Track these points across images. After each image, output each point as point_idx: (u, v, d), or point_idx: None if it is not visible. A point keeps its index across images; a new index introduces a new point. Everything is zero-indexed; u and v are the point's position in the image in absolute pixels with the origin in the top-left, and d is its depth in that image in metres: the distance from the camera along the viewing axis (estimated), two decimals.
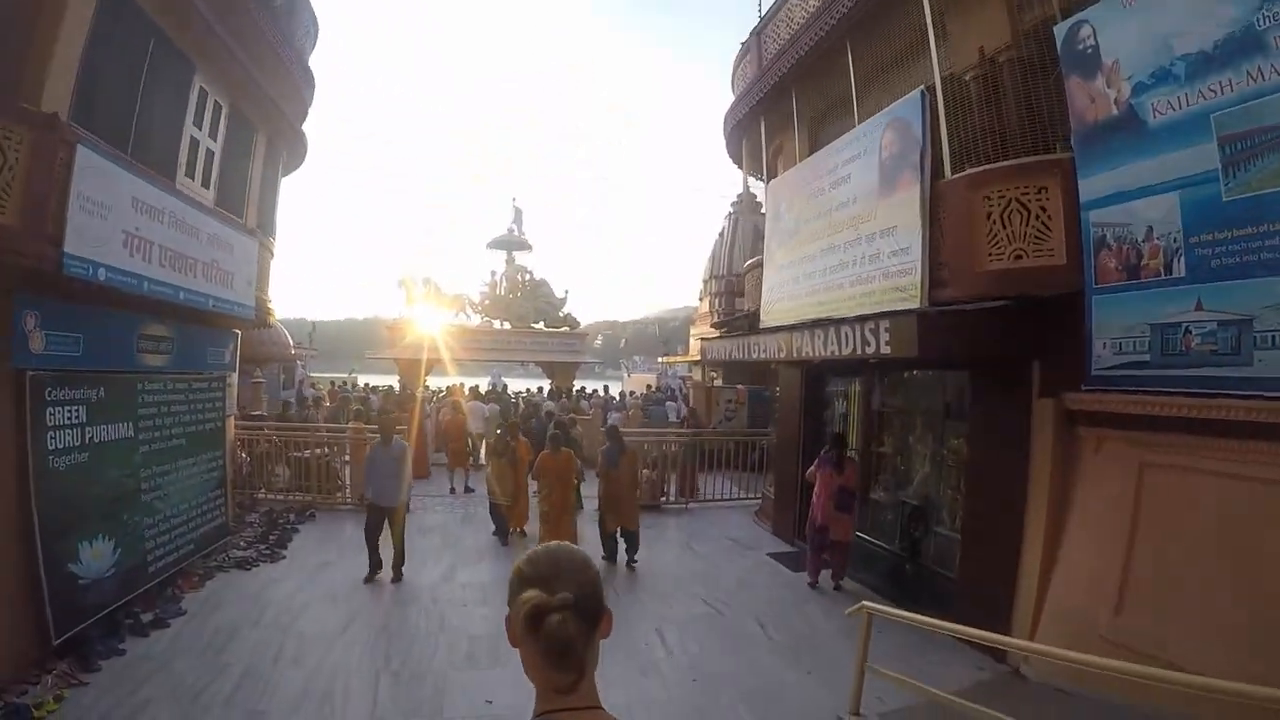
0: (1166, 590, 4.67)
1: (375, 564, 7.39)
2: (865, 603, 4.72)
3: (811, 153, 8.65)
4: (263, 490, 10.54)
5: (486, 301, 23.24)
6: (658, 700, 5.11)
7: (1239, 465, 4.37)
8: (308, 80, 9.11)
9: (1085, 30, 5.15)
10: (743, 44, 10.70)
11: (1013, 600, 5.70)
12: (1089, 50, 5.12)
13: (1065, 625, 5.17)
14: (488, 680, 5.18)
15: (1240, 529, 4.34)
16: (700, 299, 24.71)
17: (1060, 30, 5.32)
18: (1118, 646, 4.52)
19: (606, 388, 21.24)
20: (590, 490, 9.73)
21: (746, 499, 11.95)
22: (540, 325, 23.52)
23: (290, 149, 10.16)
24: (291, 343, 19.61)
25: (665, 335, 43.46)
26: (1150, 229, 4.72)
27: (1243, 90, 4.17)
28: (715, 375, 20.42)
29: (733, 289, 21.24)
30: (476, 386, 18.61)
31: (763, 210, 19.88)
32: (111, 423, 5.86)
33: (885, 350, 5.98)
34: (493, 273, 23.80)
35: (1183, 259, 4.54)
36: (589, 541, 8.78)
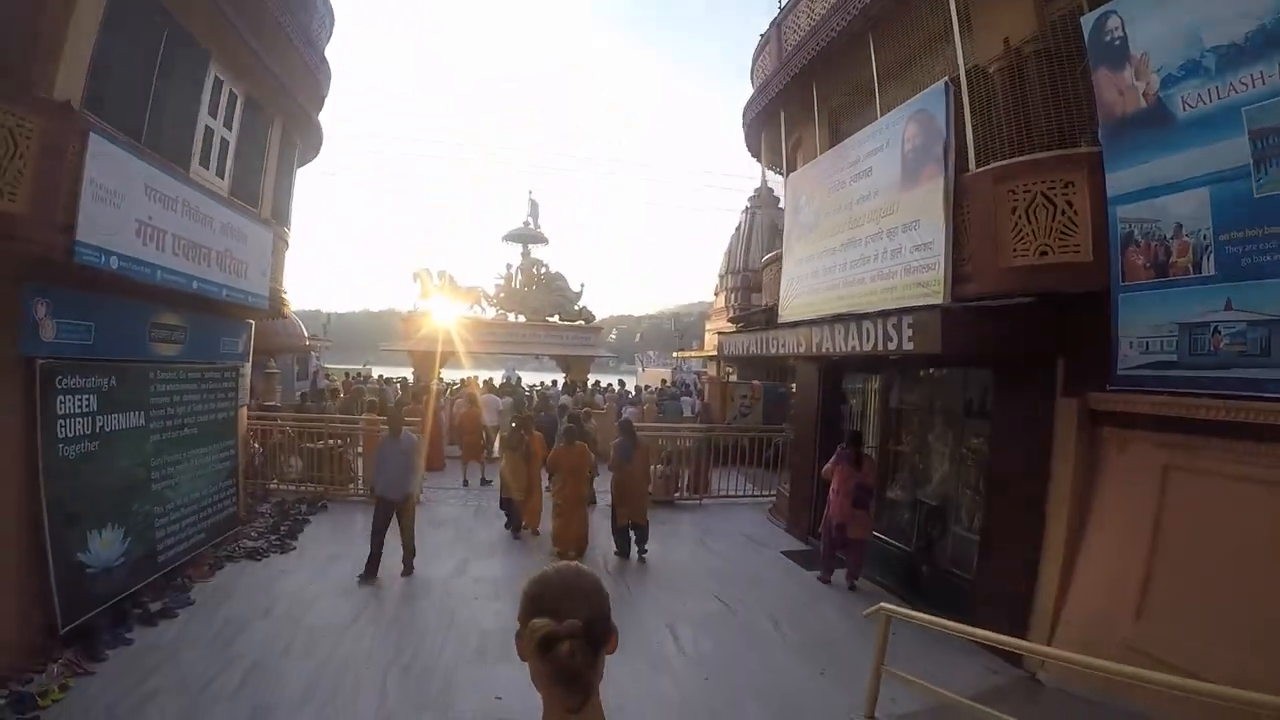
0: (1189, 597, 4.56)
1: (374, 561, 7.18)
2: (883, 604, 4.62)
3: (832, 146, 8.52)
4: (275, 481, 10.57)
5: (502, 294, 23.27)
6: (669, 698, 5.04)
7: (1267, 470, 4.26)
8: (323, 69, 9.06)
9: (1113, 21, 5.01)
10: (762, 35, 10.54)
11: (1031, 603, 5.60)
12: (1117, 42, 4.98)
13: (1084, 630, 5.07)
14: (497, 676, 5.12)
15: (1266, 535, 4.22)
16: (716, 294, 24.62)
17: (1088, 21, 5.18)
18: (1138, 653, 4.41)
19: (621, 382, 21.15)
20: (602, 485, 9.67)
21: (761, 496, 11.85)
22: (555, 319, 23.51)
23: (306, 139, 10.12)
24: (306, 334, 19.69)
25: (680, 330, 43.34)
26: (1179, 226, 4.59)
27: (1275, 83, 4.05)
28: (731, 370, 20.29)
29: (749, 284, 21.10)
30: (490, 379, 18.59)
31: (781, 205, 19.76)
32: (123, 412, 5.85)
33: (908, 346, 5.86)
34: (508, 265, 23.87)
35: (1212, 257, 4.41)
36: (601, 535, 8.74)
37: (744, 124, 11.35)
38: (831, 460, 7.73)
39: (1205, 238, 4.43)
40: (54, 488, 5.00)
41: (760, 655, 5.84)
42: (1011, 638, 4.23)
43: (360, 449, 11.12)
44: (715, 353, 21.41)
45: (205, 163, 7.18)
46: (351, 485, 10.88)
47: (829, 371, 9.55)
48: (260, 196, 8.65)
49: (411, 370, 21.60)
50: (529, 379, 24.20)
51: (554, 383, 20.39)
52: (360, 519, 9.15)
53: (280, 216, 9.27)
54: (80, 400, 5.30)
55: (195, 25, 6.62)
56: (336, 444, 10.83)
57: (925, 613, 4.83)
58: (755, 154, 11.90)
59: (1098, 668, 3.66)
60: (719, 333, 13.23)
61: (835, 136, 8.76)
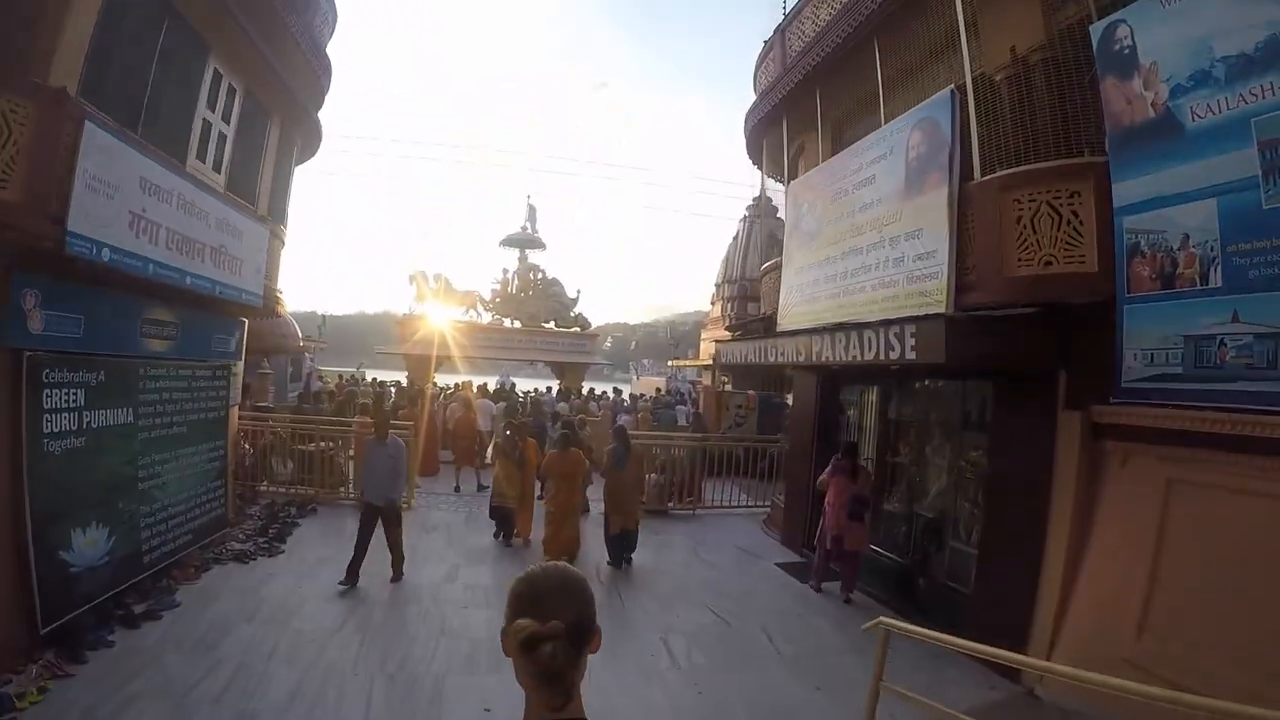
0: (1193, 612, 4.49)
1: (354, 566, 7.00)
2: (883, 618, 4.52)
3: (834, 153, 8.48)
4: (265, 483, 10.44)
5: (498, 299, 23.19)
6: (661, 710, 4.93)
7: (1272, 484, 4.19)
8: (324, 67, 8.99)
9: (1122, 30, 4.97)
10: (766, 42, 10.53)
11: (1030, 618, 5.52)
12: (1126, 51, 4.94)
13: (1085, 646, 4.99)
14: (487, 686, 5.01)
15: (1272, 549, 4.15)
16: (712, 303, 24.56)
17: (1096, 30, 5.15)
18: (1140, 669, 4.33)
19: (617, 389, 21.10)
20: (594, 493, 9.58)
21: (755, 507, 11.75)
22: (551, 325, 23.45)
23: (305, 136, 10.04)
24: (300, 335, 19.55)
25: (676, 339, 43.30)
26: (1186, 237, 4.53)
27: None
28: (726, 380, 20.24)
29: (746, 293, 21.08)
30: (485, 385, 18.48)
31: (779, 215, 19.77)
32: (111, 408, 5.74)
33: (910, 356, 5.79)
34: (505, 270, 23.78)
35: (1219, 268, 4.34)
36: (592, 544, 8.64)
37: (746, 130, 11.32)
38: (826, 471, 7.66)
39: (1213, 249, 4.38)
40: (38, 483, 4.88)
41: (754, 669, 5.74)
42: (1014, 653, 4.13)
43: (352, 452, 10.98)
44: (710, 362, 21.42)
45: (202, 156, 7.10)
46: (342, 489, 10.76)
47: (826, 382, 9.48)
48: (257, 193, 8.56)
49: (406, 374, 21.47)
50: (523, 385, 24.11)
51: (549, 389, 20.31)
52: (350, 523, 9.00)
53: (277, 214, 9.19)
54: (68, 394, 5.19)
55: (196, 15, 6.55)
56: (328, 447, 10.71)
57: (922, 627, 4.75)
58: (756, 161, 11.86)
59: (1099, 683, 3.57)
60: (716, 340, 13.15)
61: (838, 144, 8.73)
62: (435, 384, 19.13)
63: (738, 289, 21.80)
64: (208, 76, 7.01)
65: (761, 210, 21.70)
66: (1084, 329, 5.33)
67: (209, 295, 6.79)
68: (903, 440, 8.26)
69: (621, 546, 8.32)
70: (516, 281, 23.69)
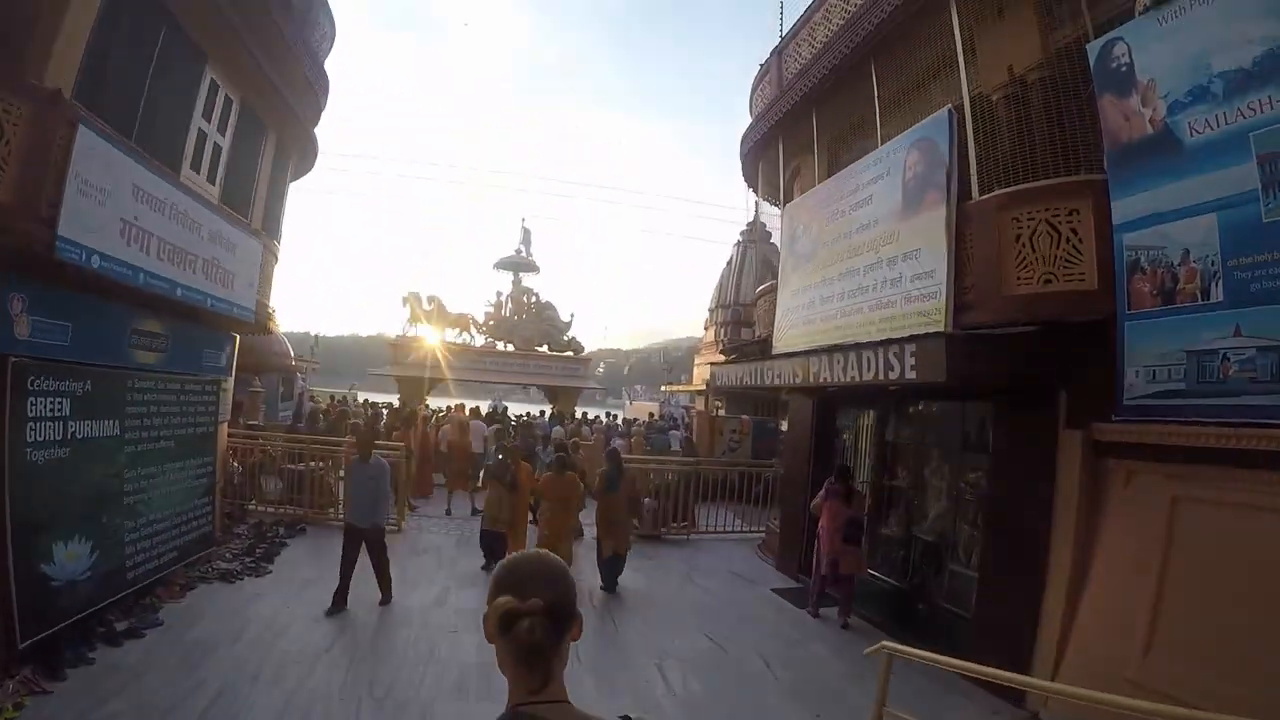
0: (1200, 631, 4.40)
1: (341, 593, 6.78)
2: (885, 642, 4.41)
3: (831, 175, 8.51)
4: (254, 502, 10.25)
5: (491, 322, 23.11)
6: None
7: (1278, 499, 4.13)
8: (322, 82, 8.99)
9: (1120, 48, 5.01)
10: (762, 65, 10.64)
11: (1033, 641, 5.43)
12: (1123, 68, 4.97)
13: (1090, 667, 4.89)
14: (477, 714, 4.82)
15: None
16: (705, 328, 24.59)
17: (1093, 48, 5.19)
18: (1146, 690, 4.22)
19: (609, 414, 20.97)
20: (587, 518, 9.44)
21: (749, 532, 11.62)
22: (544, 349, 23.37)
23: (301, 152, 10.01)
24: (292, 353, 19.42)
25: (669, 364, 43.31)
26: (1186, 252, 4.52)
27: None
28: (719, 405, 20.17)
29: (739, 318, 21.14)
30: (477, 408, 18.35)
31: (773, 240, 19.90)
32: (97, 419, 5.60)
33: (910, 375, 5.72)
34: (498, 293, 23.74)
35: (1221, 283, 4.32)
36: (584, 568, 8.50)
37: (741, 153, 11.37)
38: (820, 495, 7.59)
39: (1213, 264, 4.36)
40: (19, 493, 4.73)
41: (752, 696, 5.60)
42: (1023, 676, 4.03)
43: (342, 473, 10.80)
44: (704, 387, 21.36)
45: (196, 167, 7.04)
46: (332, 510, 10.56)
47: (822, 405, 9.42)
48: (251, 206, 8.50)
49: (398, 396, 21.31)
50: (515, 409, 23.95)
51: (542, 413, 20.17)
52: (339, 545, 8.85)
53: (271, 229, 9.13)
54: (52, 403, 5.06)
55: (194, 24, 6.53)
56: (317, 466, 10.54)
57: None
58: (751, 184, 11.90)
59: (1110, 702, 3.49)
60: (711, 363, 13.10)
61: (834, 166, 8.76)
62: (427, 406, 19.00)
63: (731, 314, 21.86)
64: (204, 86, 6.98)
65: (756, 235, 21.84)
66: (1084, 347, 5.29)
67: (200, 308, 6.70)
68: (900, 463, 8.19)
69: (614, 570, 8.18)
70: (510, 305, 23.63)
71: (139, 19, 5.86)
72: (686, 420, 21.01)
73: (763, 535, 11.02)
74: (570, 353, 23.82)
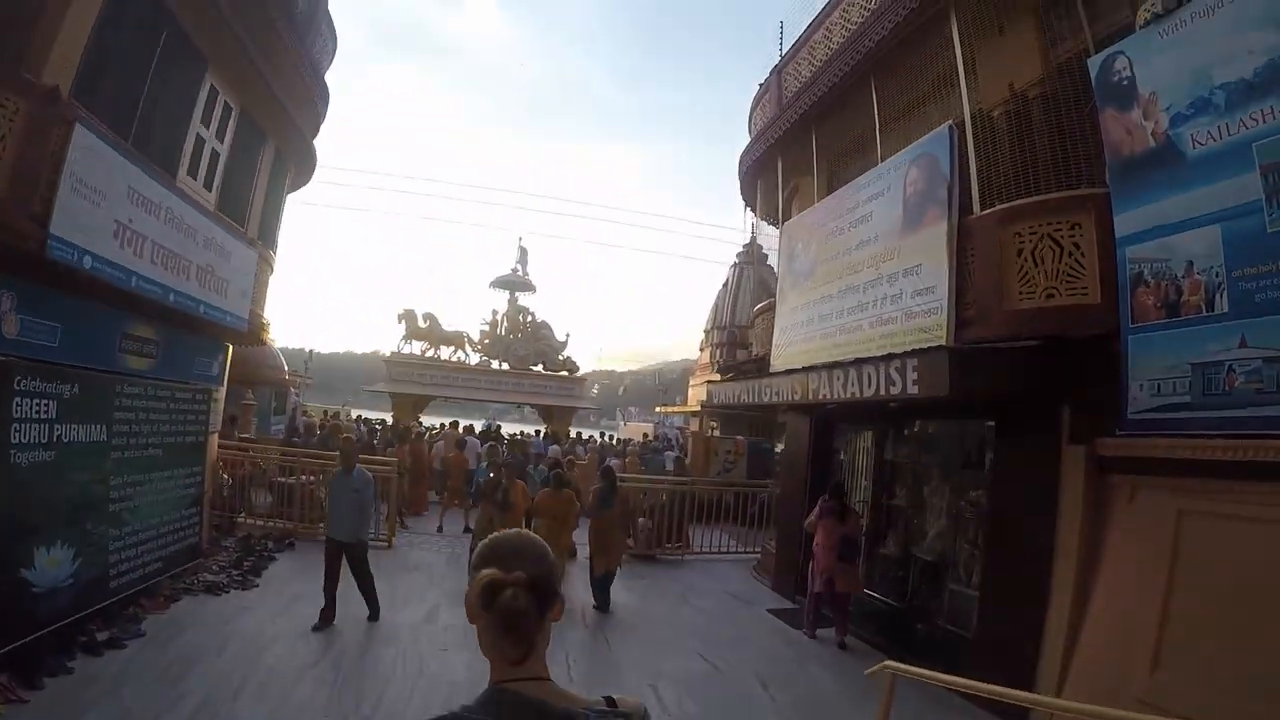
0: (1208, 647, 4.31)
1: (328, 609, 6.61)
2: (889, 662, 4.30)
3: (830, 193, 8.51)
4: (243, 514, 10.08)
5: (486, 341, 23.03)
6: None
7: None
8: (323, 93, 9.00)
9: (1120, 62, 5.04)
10: (761, 84, 10.71)
11: (1036, 660, 5.32)
12: (1124, 82, 4.99)
13: (1095, 685, 4.78)
14: None
15: None
16: (701, 349, 24.60)
17: (1094, 63, 5.22)
18: (1153, 708, 4.13)
19: (603, 433, 20.88)
20: (579, 538, 9.30)
21: (744, 553, 11.47)
22: (539, 368, 23.28)
23: (299, 163, 10.00)
24: (286, 367, 19.28)
25: (664, 385, 43.27)
26: (1190, 264, 4.50)
27: None
28: (714, 426, 20.08)
29: (735, 340, 21.17)
30: (471, 426, 18.21)
31: (769, 261, 19.98)
32: (83, 423, 5.47)
33: (913, 390, 5.65)
34: (494, 312, 23.65)
35: (1225, 294, 4.30)
36: (577, 588, 8.37)
37: (740, 172, 11.40)
38: (814, 513, 7.51)
39: (1218, 275, 4.34)
40: (1, 496, 4.62)
41: (749, 717, 5.47)
42: (1033, 694, 3.94)
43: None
44: (698, 408, 21.29)
45: (193, 172, 7.01)
46: (322, 524, 10.37)
47: (820, 424, 9.34)
48: (248, 215, 8.46)
49: (391, 413, 21.16)
50: (509, 428, 23.80)
51: (537, 432, 20.04)
52: None
53: (267, 239, 9.09)
54: (38, 405, 4.93)
55: (196, 30, 6.53)
56: (308, 480, 10.39)
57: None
58: (750, 203, 11.94)
59: (1115, 718, 3.42)
60: (709, 382, 13.05)
61: (834, 185, 8.76)
62: (421, 423, 18.86)
63: (727, 335, 21.88)
64: (204, 92, 6.97)
65: (753, 257, 21.93)
66: (1087, 361, 5.26)
67: (193, 315, 6.63)
68: (899, 482, 8.10)
69: (605, 587, 8.05)
70: (505, 323, 23.56)
71: (141, 21, 5.86)
72: (681, 441, 20.92)
73: (758, 556, 10.89)
74: (565, 372, 23.72)
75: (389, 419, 20.26)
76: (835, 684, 6.18)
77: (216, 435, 8.72)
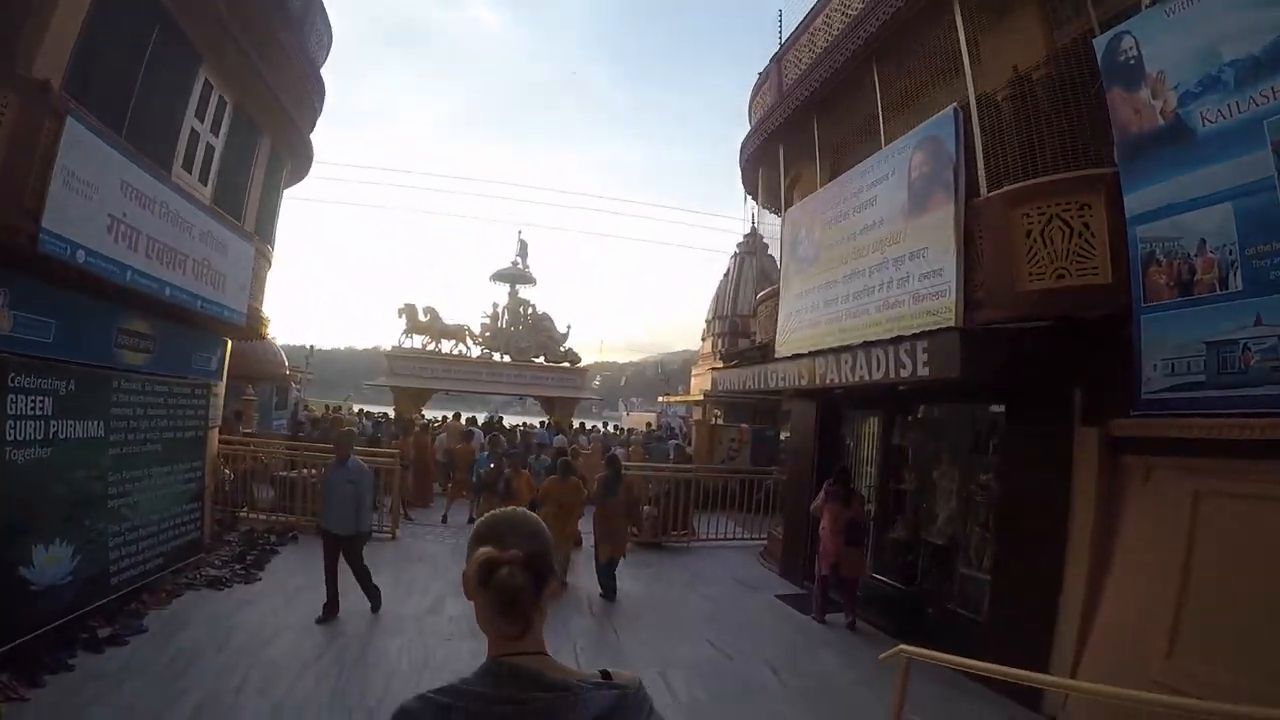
0: (1226, 628, 4.27)
1: (331, 602, 6.56)
2: (903, 646, 4.23)
3: (832, 180, 8.42)
4: (245, 509, 10.04)
5: (487, 333, 22.97)
6: None
7: None
8: (318, 87, 8.91)
9: (1127, 41, 4.95)
10: (760, 73, 10.58)
11: (1050, 643, 5.26)
12: (1131, 61, 4.91)
13: (1110, 668, 4.73)
14: None
15: None
16: (703, 339, 24.54)
17: (1100, 43, 5.13)
18: (1170, 690, 4.07)
19: (608, 424, 20.83)
20: (585, 527, 9.26)
21: (750, 539, 11.43)
22: (541, 359, 23.22)
23: (296, 157, 9.88)
24: (286, 363, 19.22)
25: (666, 375, 43.23)
26: (1203, 242, 4.43)
27: None
28: (717, 414, 20.03)
29: (737, 329, 21.12)
30: (473, 418, 18.18)
31: (770, 251, 19.89)
32: (80, 419, 5.41)
33: (923, 372, 5.56)
34: (495, 304, 23.59)
35: (1239, 272, 4.23)
36: (583, 576, 8.32)
37: (741, 161, 11.28)
38: (819, 497, 7.50)
39: (1231, 253, 4.27)
40: None
41: (760, 704, 5.40)
42: (1053, 677, 3.88)
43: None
44: (701, 397, 21.26)
45: (188, 166, 6.92)
46: None
47: (825, 409, 9.27)
48: (244, 209, 8.37)
49: (393, 407, 21.11)
50: (511, 420, 23.79)
51: (541, 424, 20.02)
52: None
53: (264, 233, 8.99)
54: (33, 402, 4.88)
55: (189, 23, 6.43)
56: (311, 474, 10.35)
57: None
58: (751, 192, 11.84)
59: (1142, 699, 3.37)
60: (713, 369, 12.97)
61: (836, 171, 8.63)
62: (423, 416, 18.83)
63: (729, 324, 21.83)
64: (198, 86, 6.87)
65: (754, 247, 21.83)
66: (1099, 342, 5.19)
67: (190, 309, 6.56)
68: (907, 467, 8.04)
69: (611, 575, 8.01)
70: (506, 316, 23.49)
71: (133, 15, 5.76)
72: (684, 430, 20.89)
73: (765, 542, 10.85)
74: (567, 364, 23.67)
75: (390, 413, 20.23)
76: (846, 669, 6.13)
77: (217, 430, 8.66)
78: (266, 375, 16.58)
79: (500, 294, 24.38)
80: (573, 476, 8.19)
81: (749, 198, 12.26)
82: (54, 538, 5.14)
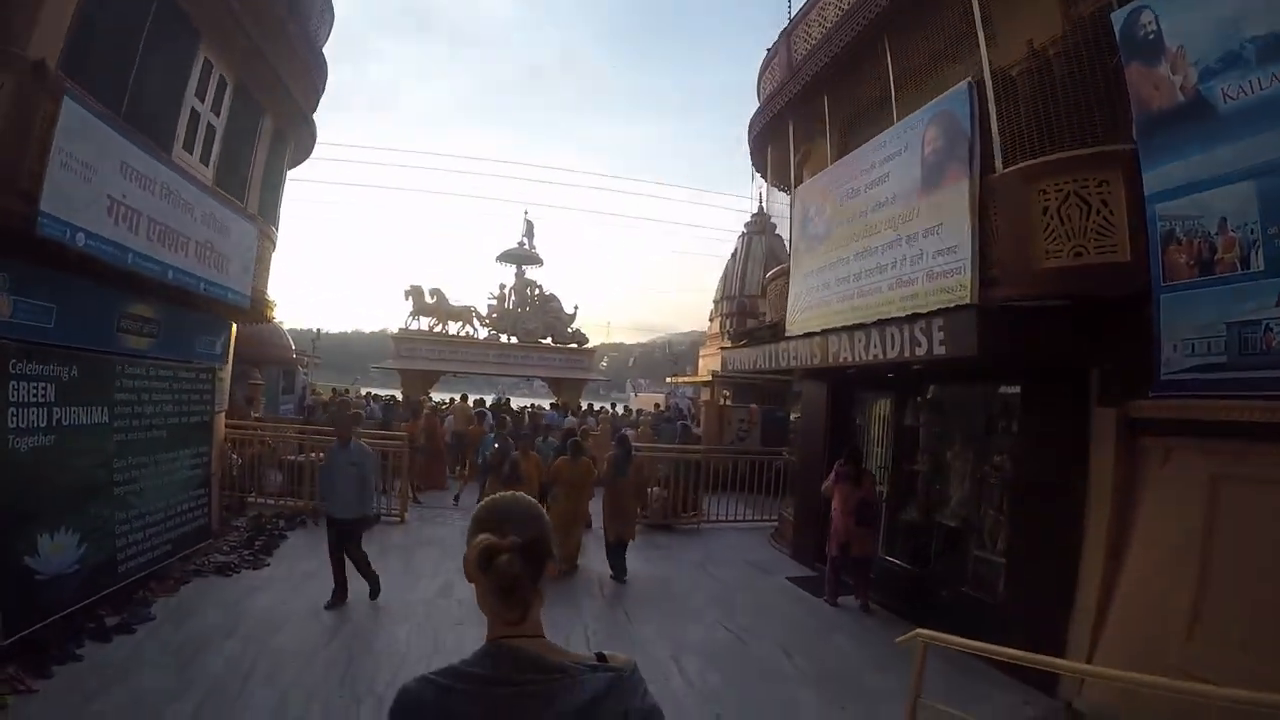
0: (1247, 613, 4.18)
1: (340, 588, 6.52)
2: (920, 630, 4.17)
3: (843, 156, 8.27)
4: (254, 494, 10.04)
5: (494, 315, 22.89)
6: None
7: None
8: (320, 66, 8.78)
9: (1146, 16, 4.80)
10: (769, 49, 10.38)
11: (1066, 627, 5.20)
12: (1150, 36, 4.75)
13: (1128, 654, 4.65)
14: None
15: None
16: (710, 319, 24.42)
17: (1119, 17, 4.96)
18: (1189, 677, 4.00)
19: (615, 405, 20.80)
20: (595, 508, 9.23)
21: (760, 521, 11.39)
22: (548, 341, 23.16)
23: (298, 137, 9.77)
24: (293, 346, 19.21)
25: (674, 357, 43.19)
26: (1224, 220, 4.29)
27: None
28: (726, 395, 19.97)
29: (745, 309, 21.00)
30: (481, 400, 18.16)
31: (778, 231, 19.70)
32: (83, 406, 5.36)
33: (939, 350, 5.47)
34: (501, 285, 23.48)
35: (1261, 251, 4.10)
36: (593, 559, 8.31)
37: (749, 138, 11.10)
38: (830, 478, 7.46)
39: (1253, 232, 4.14)
40: (1, 483, 4.52)
41: (774, 689, 5.36)
42: (1076, 663, 3.82)
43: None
44: (709, 378, 21.17)
45: (189, 147, 6.82)
46: None
47: (837, 390, 9.18)
48: (247, 190, 8.27)
49: (400, 389, 21.11)
50: (519, 402, 23.78)
51: (553, 405, 20.02)
52: None
53: (268, 214, 8.91)
54: (35, 388, 4.82)
55: (188, 1, 6.30)
56: (319, 458, 10.34)
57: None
58: (760, 169, 11.68)
59: (1152, 684, 3.31)
60: (722, 348, 12.86)
61: (847, 147, 8.48)
62: (430, 399, 18.83)
63: (737, 305, 21.70)
64: (198, 65, 6.75)
65: (762, 226, 21.63)
66: (1117, 321, 5.07)
67: (193, 292, 6.49)
68: (920, 448, 7.96)
69: (620, 556, 8.00)
70: (513, 297, 23.40)
71: None
72: (692, 411, 20.85)
73: (776, 524, 10.82)
74: (574, 344, 23.59)
75: (398, 395, 20.23)
76: (860, 652, 6.11)
77: (223, 415, 8.63)
78: (273, 359, 16.58)
79: (507, 275, 24.30)
80: (583, 457, 8.16)
81: (758, 175, 12.11)
82: (59, 526, 5.11)
